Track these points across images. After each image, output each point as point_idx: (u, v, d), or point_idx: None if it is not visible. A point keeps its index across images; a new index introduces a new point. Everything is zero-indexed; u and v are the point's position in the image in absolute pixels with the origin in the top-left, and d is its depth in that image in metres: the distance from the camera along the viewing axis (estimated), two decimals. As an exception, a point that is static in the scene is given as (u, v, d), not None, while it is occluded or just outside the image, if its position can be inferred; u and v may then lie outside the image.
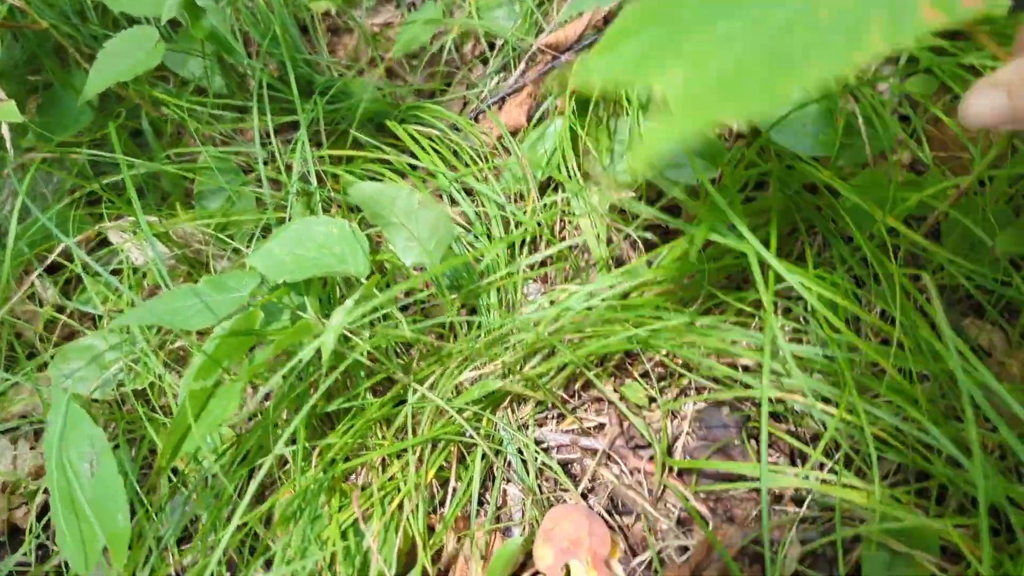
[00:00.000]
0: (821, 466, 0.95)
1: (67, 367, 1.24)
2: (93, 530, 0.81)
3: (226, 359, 0.91)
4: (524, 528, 1.03)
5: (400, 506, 0.99)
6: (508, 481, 1.09)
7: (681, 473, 1.03)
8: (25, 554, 1.20)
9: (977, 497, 0.77)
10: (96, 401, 1.24)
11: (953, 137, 1.13)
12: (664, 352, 1.06)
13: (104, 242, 1.39)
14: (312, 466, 0.98)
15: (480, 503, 1.07)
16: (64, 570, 1.14)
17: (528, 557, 1.01)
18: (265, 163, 1.31)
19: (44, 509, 1.25)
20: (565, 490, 1.05)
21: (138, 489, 1.08)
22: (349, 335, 1.02)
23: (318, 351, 0.88)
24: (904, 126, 1.11)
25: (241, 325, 0.92)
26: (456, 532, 1.05)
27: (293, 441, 1.00)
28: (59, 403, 0.88)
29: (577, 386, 1.13)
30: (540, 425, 1.13)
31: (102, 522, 0.80)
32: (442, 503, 1.07)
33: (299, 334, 0.91)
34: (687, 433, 1.06)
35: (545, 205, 1.20)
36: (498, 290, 1.12)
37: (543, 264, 1.18)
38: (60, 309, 1.37)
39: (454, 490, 1.06)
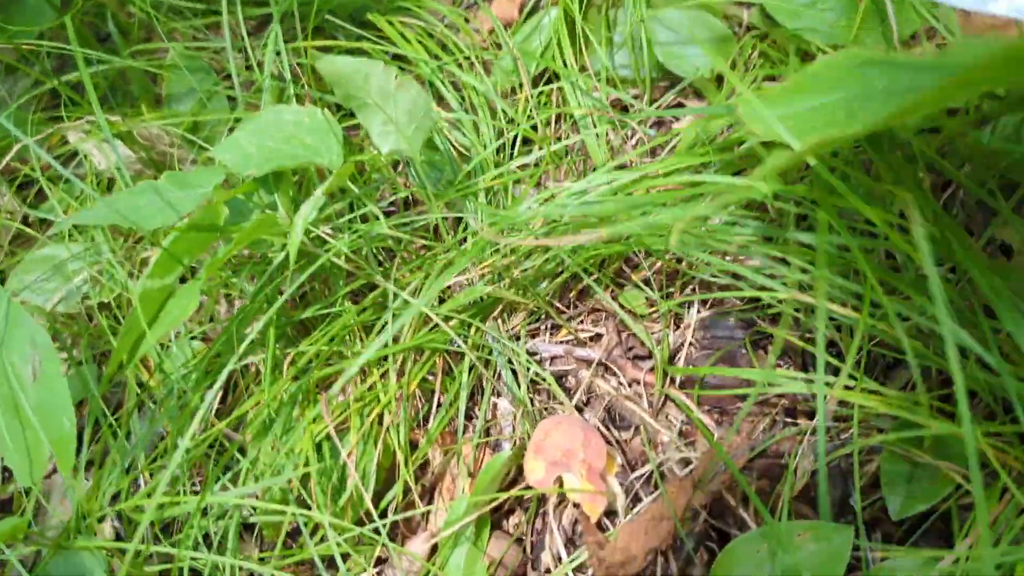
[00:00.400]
0: (836, 372, 0.87)
1: (28, 278, 1.17)
2: (38, 436, 0.74)
3: (186, 255, 0.83)
4: (515, 443, 0.96)
5: (380, 419, 0.92)
6: (498, 395, 1.01)
7: (684, 385, 0.96)
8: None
9: (1010, 399, 0.70)
10: (61, 315, 1.16)
11: (983, 26, 1.03)
12: (668, 255, 0.98)
13: (69, 153, 1.30)
14: (283, 375, 0.90)
15: (468, 417, 1.00)
16: (24, 494, 1.08)
17: (519, 472, 0.95)
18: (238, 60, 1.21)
19: None
20: (559, 403, 0.98)
21: (104, 408, 1.01)
22: (325, 237, 0.94)
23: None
24: (935, 11, 1.01)
25: (202, 219, 0.84)
26: (442, 448, 0.98)
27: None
28: None
29: (572, 295, 1.05)
30: (532, 336, 1.05)
31: (47, 427, 0.73)
32: (426, 418, 1.00)
33: (263, 229, 0.82)
34: (690, 344, 0.99)
35: (540, 100, 1.10)
36: (487, 192, 1.03)
37: (536, 165, 1.09)
38: (24, 221, 1.28)
39: (439, 403, 0.99)
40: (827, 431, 0.87)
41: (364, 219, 1.02)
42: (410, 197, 1.12)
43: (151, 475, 1.03)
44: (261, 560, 0.90)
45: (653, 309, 1.01)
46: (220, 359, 0.98)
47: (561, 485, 0.88)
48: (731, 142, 0.95)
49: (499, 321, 1.03)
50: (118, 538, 0.96)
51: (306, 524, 0.84)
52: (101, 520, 0.97)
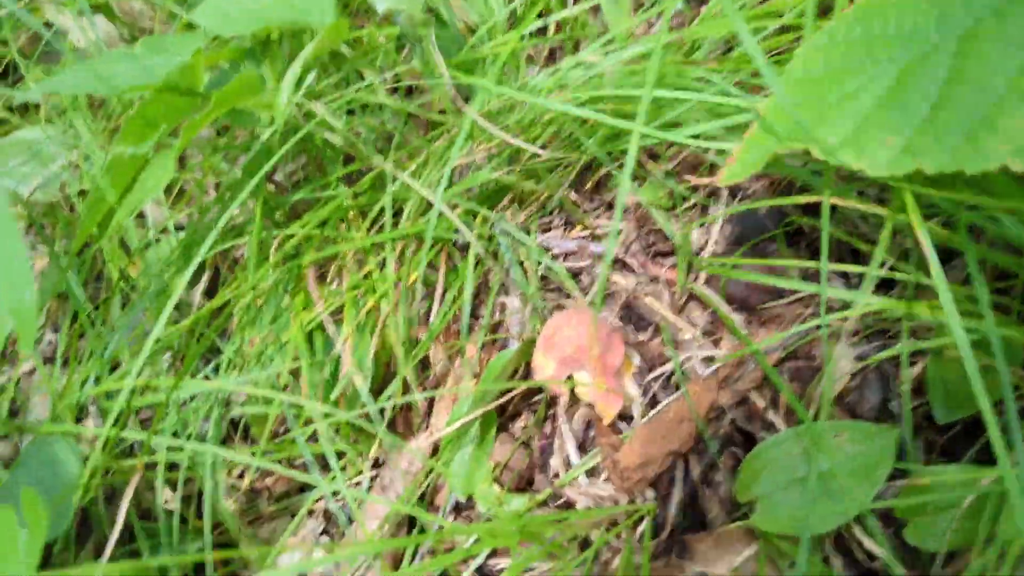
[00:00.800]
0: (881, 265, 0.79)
1: (4, 164, 1.09)
2: (-4, 312, 0.66)
3: (160, 121, 0.74)
4: (524, 342, 0.89)
5: (377, 311, 0.85)
6: (506, 292, 0.94)
7: (709, 282, 0.88)
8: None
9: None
10: (39, 204, 1.09)
11: None
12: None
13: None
14: (270, 259, 0.82)
15: (473, 316, 0.92)
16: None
17: (527, 373, 0.87)
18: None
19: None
20: (571, 300, 0.90)
21: (81, 294, 0.94)
22: (318, 112, 0.85)
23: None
24: None
25: (178, 81, 0.75)
26: (444, 346, 0.91)
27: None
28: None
29: (588, 187, 0.96)
30: (544, 231, 0.97)
31: (5, 299, 0.66)
32: (428, 314, 0.92)
33: (246, 90, 0.74)
34: (714, 242, 0.90)
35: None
36: (494, 60, 0.94)
37: (546, 32, 0.99)
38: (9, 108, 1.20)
39: (442, 297, 0.91)
40: (868, 334, 0.79)
41: (363, 106, 0.94)
42: (412, 87, 1.03)
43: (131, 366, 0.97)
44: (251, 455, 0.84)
45: (674, 204, 0.93)
46: (194, 234, 0.91)
47: (572, 385, 0.81)
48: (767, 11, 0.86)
49: (508, 212, 0.94)
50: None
51: (297, 417, 0.78)
52: (81, 413, 0.91)
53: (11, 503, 0.78)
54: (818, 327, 0.83)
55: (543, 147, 0.84)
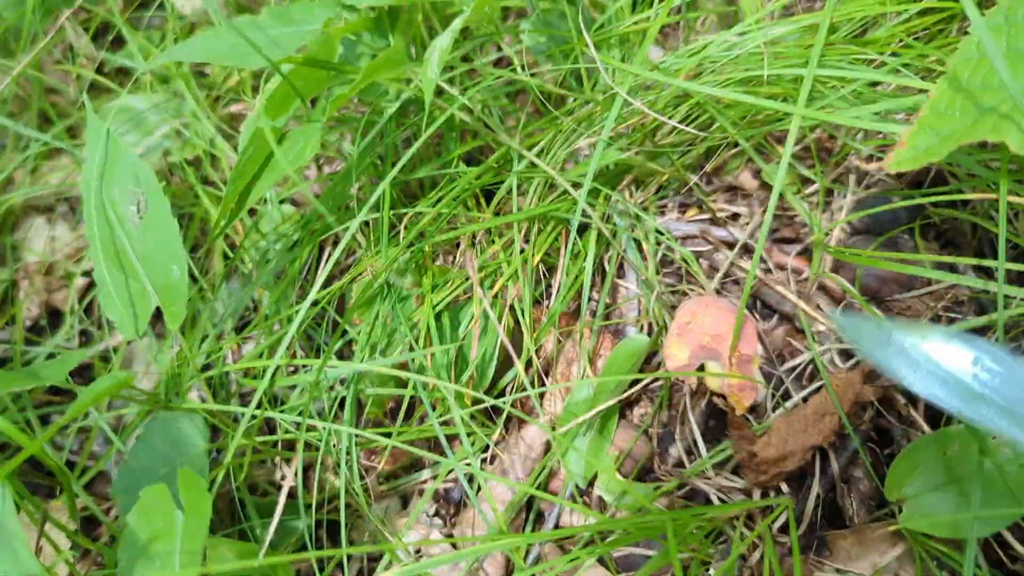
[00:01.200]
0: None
1: (106, 131, 1.08)
2: (142, 285, 0.66)
3: (301, 93, 0.73)
4: (641, 327, 0.87)
5: (504, 291, 0.83)
6: (622, 276, 0.92)
7: (837, 271, 0.85)
8: (68, 338, 1.07)
9: None
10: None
11: None
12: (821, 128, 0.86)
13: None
14: (399, 239, 0.81)
15: (588, 300, 0.91)
16: (111, 353, 1.01)
17: (648, 362, 0.86)
18: None
19: (87, 291, 1.12)
20: (692, 287, 0.89)
21: (193, 268, 0.93)
22: (443, 87, 0.83)
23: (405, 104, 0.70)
24: None
25: (318, 52, 0.73)
26: (560, 329, 0.90)
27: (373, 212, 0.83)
28: (96, 135, 0.71)
29: (708, 169, 0.94)
30: (660, 214, 0.95)
31: (153, 275, 0.65)
32: (544, 296, 0.90)
33: (391, 63, 0.72)
34: (841, 229, 0.88)
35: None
36: (620, 42, 0.91)
37: (679, 11, 0.96)
38: (100, 71, 1.19)
39: (560, 282, 0.89)
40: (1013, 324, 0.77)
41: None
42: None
43: (239, 346, 0.96)
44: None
45: (805, 184, 0.90)
46: (315, 223, 0.90)
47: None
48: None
49: (626, 193, 0.92)
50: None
51: (427, 397, 0.76)
52: (189, 388, 0.90)
53: (138, 477, 0.79)
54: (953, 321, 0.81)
55: (682, 122, 0.82)
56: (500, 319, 0.80)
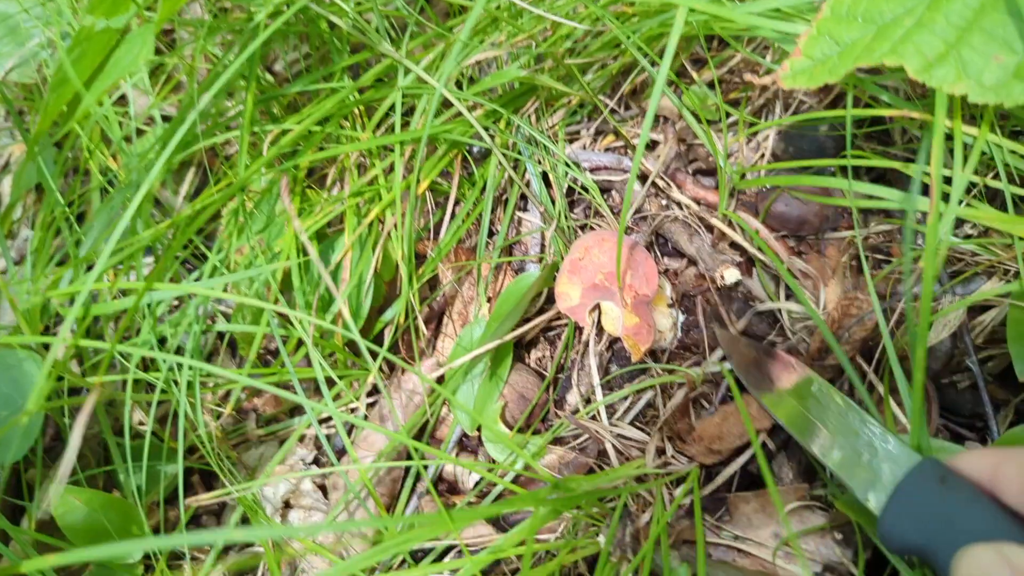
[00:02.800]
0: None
1: (-26, 39, 0.98)
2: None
3: (136, -12, 0.64)
4: (545, 265, 0.79)
5: (381, 222, 0.75)
6: (525, 208, 0.84)
7: (757, 212, 0.78)
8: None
9: None
10: (14, 84, 0.98)
11: None
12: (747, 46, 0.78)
13: None
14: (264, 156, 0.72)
15: (490, 234, 0.83)
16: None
17: (548, 300, 0.79)
18: None
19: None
20: (600, 221, 0.81)
21: (59, 198, 0.84)
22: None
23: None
24: None
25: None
26: (454, 265, 0.82)
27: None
28: None
29: (625, 91, 0.85)
30: (571, 141, 0.87)
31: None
32: (437, 229, 0.83)
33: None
34: (766, 157, 0.80)
35: None
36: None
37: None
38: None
39: (454, 211, 0.81)
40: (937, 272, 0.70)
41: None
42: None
43: (115, 272, 0.88)
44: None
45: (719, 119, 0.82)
46: (174, 127, 0.81)
47: (599, 316, 0.72)
48: None
49: (532, 118, 0.84)
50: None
51: (285, 342, 0.69)
52: (52, 320, 0.83)
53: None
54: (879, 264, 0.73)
55: (589, 32, 0.73)
56: (375, 248, 0.72)
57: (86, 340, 0.61)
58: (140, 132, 0.90)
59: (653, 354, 0.74)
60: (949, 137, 0.59)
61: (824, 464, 0.56)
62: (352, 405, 0.78)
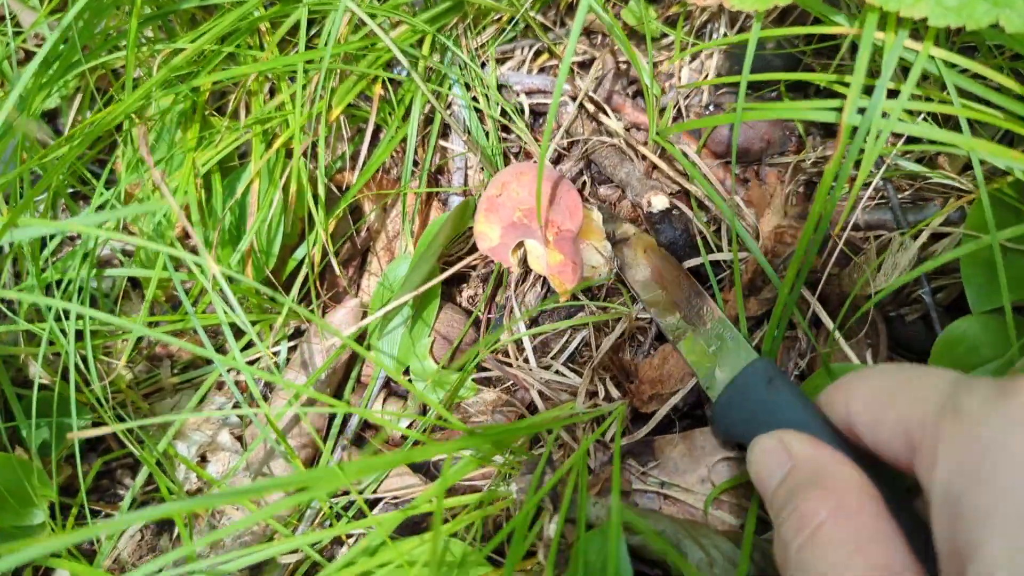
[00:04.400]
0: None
1: None
2: None
3: None
4: (466, 200, 0.74)
5: (291, 148, 0.69)
6: (447, 136, 0.78)
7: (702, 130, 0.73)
8: None
9: None
10: None
11: None
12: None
13: None
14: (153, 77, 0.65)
15: (415, 164, 0.77)
16: None
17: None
18: None
19: None
20: (529, 152, 0.75)
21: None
22: None
23: None
24: None
25: None
26: (375, 195, 0.76)
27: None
28: None
29: (561, 7, 0.79)
30: (501, 63, 0.80)
31: None
32: (355, 157, 0.76)
33: None
34: (705, 79, 0.74)
35: None
36: None
37: None
38: None
39: (373, 137, 0.75)
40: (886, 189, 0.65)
41: None
42: None
43: None
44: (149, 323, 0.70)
45: (665, 35, 0.76)
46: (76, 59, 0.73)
47: (524, 256, 0.67)
48: None
49: (462, 37, 0.77)
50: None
51: (188, 288, 0.63)
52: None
53: None
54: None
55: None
56: (281, 176, 0.66)
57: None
58: (30, 54, 0.82)
59: (589, 291, 0.69)
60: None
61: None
62: (274, 349, 0.73)
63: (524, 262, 0.67)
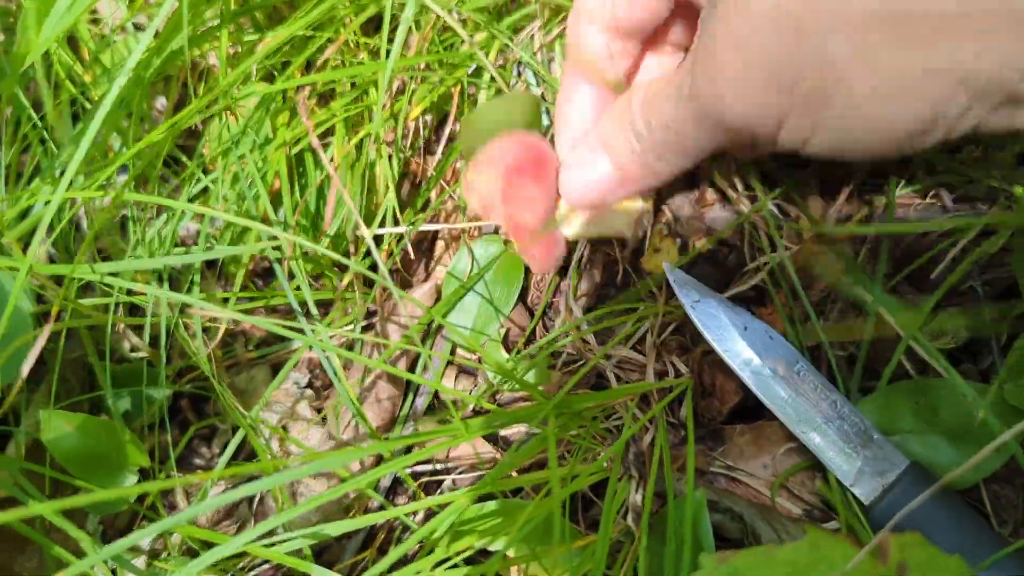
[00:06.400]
0: None
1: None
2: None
3: None
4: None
5: (374, 140, 0.72)
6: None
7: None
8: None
9: None
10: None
11: None
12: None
13: None
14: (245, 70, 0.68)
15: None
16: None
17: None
18: None
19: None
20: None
21: (26, 103, 0.79)
22: None
23: None
24: None
25: None
26: (450, 185, 0.79)
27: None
28: None
29: None
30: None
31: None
32: (433, 147, 0.79)
33: None
34: None
35: None
36: None
37: None
38: None
39: (452, 131, 0.78)
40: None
41: None
42: None
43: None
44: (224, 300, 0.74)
45: None
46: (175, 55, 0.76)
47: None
48: None
49: (537, 34, 0.80)
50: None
51: (278, 260, 0.67)
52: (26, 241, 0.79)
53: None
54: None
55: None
56: (362, 169, 0.69)
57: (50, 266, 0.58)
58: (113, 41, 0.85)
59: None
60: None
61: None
62: (347, 329, 0.77)
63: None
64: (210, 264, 0.80)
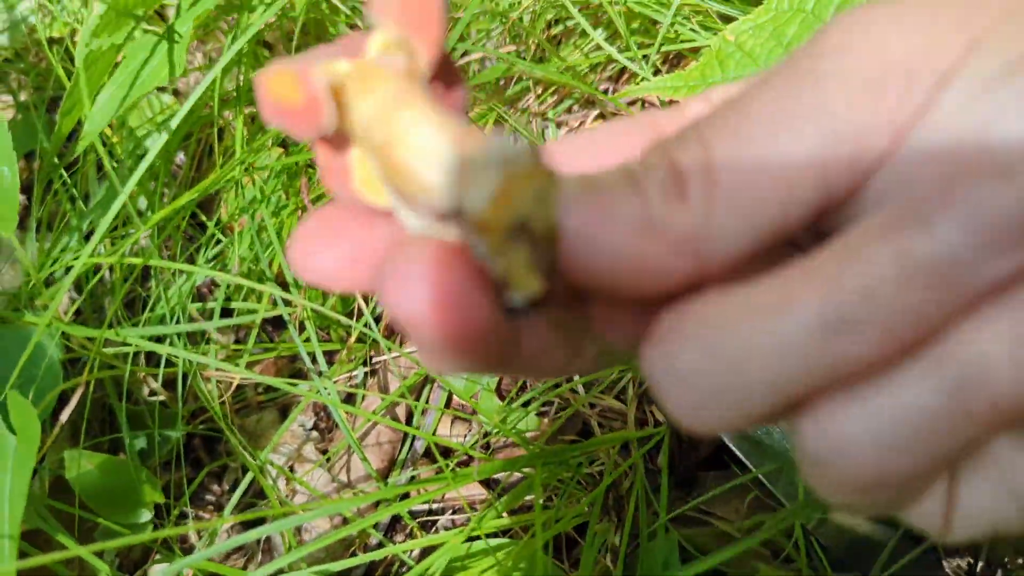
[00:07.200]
0: None
1: (-37, 2, 0.98)
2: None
3: (137, 6, 0.65)
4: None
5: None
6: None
7: None
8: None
9: None
10: (4, 49, 0.99)
11: None
12: None
13: None
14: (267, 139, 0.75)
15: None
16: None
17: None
18: None
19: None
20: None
21: (57, 163, 0.85)
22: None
23: None
24: None
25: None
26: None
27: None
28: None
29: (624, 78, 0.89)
30: (560, 126, 0.90)
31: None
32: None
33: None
34: None
35: None
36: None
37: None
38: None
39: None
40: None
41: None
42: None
43: (112, 244, 0.91)
44: (236, 350, 0.80)
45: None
46: (196, 114, 0.83)
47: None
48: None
49: (528, 106, 0.87)
50: (78, 315, 0.85)
51: (288, 316, 0.73)
52: (53, 292, 0.85)
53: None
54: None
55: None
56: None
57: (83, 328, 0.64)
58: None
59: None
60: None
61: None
62: (349, 378, 0.82)
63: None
64: (226, 311, 0.86)
